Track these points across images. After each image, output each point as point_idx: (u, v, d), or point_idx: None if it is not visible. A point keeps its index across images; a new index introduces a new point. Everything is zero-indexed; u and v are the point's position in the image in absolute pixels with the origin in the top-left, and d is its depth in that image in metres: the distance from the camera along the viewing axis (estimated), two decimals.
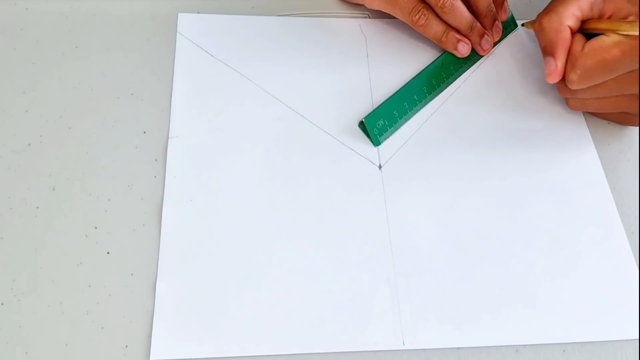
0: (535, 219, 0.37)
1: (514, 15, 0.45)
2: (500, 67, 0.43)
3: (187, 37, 0.42)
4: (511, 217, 0.36)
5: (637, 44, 0.33)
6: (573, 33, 0.36)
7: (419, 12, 0.40)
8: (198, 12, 0.43)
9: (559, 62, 0.36)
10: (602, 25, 0.35)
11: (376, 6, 0.42)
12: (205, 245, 0.34)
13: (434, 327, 0.32)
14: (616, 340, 0.33)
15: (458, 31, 0.41)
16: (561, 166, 0.39)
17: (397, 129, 0.39)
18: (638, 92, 0.36)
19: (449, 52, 0.42)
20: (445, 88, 0.42)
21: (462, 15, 0.40)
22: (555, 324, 0.33)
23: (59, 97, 0.38)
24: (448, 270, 0.34)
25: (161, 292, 0.32)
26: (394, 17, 0.42)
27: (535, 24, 0.38)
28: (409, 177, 0.37)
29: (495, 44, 0.43)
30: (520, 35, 0.45)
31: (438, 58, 0.42)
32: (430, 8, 0.40)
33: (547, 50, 0.37)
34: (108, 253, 0.33)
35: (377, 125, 0.38)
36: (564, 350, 0.33)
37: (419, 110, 0.41)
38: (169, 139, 0.37)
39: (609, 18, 0.36)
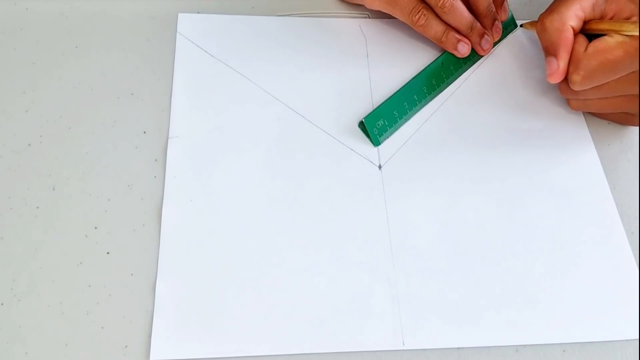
0: (535, 219, 0.37)
1: (514, 15, 0.45)
2: (500, 67, 0.43)
3: (187, 37, 0.42)
4: (511, 217, 0.36)
5: (639, 44, 0.33)
6: (575, 33, 0.36)
7: (419, 12, 0.40)
8: (198, 12, 0.43)
9: (561, 63, 0.36)
10: (604, 26, 0.35)
11: (376, 6, 0.42)
12: (205, 245, 0.34)
13: (434, 327, 0.32)
14: (616, 340, 0.33)
15: (458, 31, 0.41)
16: (561, 166, 0.39)
17: (397, 129, 0.39)
18: (638, 93, 0.36)
19: (449, 52, 0.42)
20: (445, 88, 0.42)
21: (462, 15, 0.40)
22: (555, 324, 0.33)
23: (59, 97, 0.38)
24: (448, 270, 0.34)
25: (161, 292, 0.32)
26: (394, 17, 0.42)
27: (538, 24, 0.38)
28: (409, 177, 0.37)
29: (495, 44, 0.43)
30: (520, 35, 0.45)
31: (438, 58, 0.42)
32: (430, 8, 0.40)
33: (549, 51, 0.37)
34: (108, 253, 0.33)
35: (377, 125, 0.38)
36: (564, 350, 0.33)
37: (419, 110, 0.41)
38: (169, 139, 0.37)
39: (610, 19, 0.36)
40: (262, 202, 0.35)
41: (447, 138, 0.39)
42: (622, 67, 0.34)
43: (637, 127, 0.41)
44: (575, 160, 0.39)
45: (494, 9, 0.42)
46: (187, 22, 0.42)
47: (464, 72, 0.43)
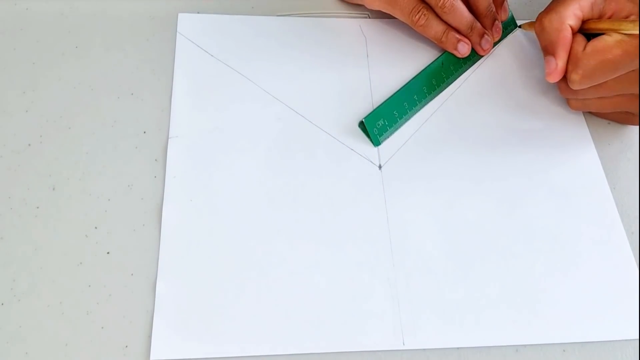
0: (535, 218, 0.37)
1: (514, 15, 0.45)
2: (501, 67, 0.43)
3: (187, 37, 0.42)
4: (511, 217, 0.36)
5: (638, 43, 0.33)
6: (574, 33, 0.36)
7: (419, 12, 0.40)
8: (198, 12, 0.43)
9: (560, 62, 0.36)
10: (603, 25, 0.35)
11: (376, 6, 0.42)
12: (205, 245, 0.34)
13: (434, 327, 0.32)
14: (616, 340, 0.33)
15: (458, 31, 0.41)
16: (561, 166, 0.39)
17: (397, 129, 0.39)
18: (638, 92, 0.36)
19: (449, 52, 0.42)
20: (445, 88, 0.42)
21: (462, 15, 0.40)
22: (555, 324, 0.33)
23: (59, 97, 0.38)
24: (448, 270, 0.34)
25: (161, 292, 0.32)
26: (394, 17, 0.42)
27: (536, 23, 0.38)
28: (409, 177, 0.37)
29: (495, 44, 0.43)
30: (520, 35, 0.45)
31: (438, 58, 0.42)
32: (430, 8, 0.40)
33: (548, 50, 0.37)
34: (108, 253, 0.33)
35: (377, 125, 0.38)
36: (564, 350, 0.33)
37: (419, 110, 0.41)
38: (169, 139, 0.37)
39: (609, 18, 0.36)
40: (262, 202, 0.35)
41: (447, 138, 0.39)
42: (621, 65, 0.34)
43: (637, 127, 0.41)
44: (575, 160, 0.39)
45: (494, 9, 0.42)
46: (187, 22, 0.42)
47: (464, 72, 0.43)
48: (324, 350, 0.31)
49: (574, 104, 0.40)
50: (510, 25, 0.45)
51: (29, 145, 0.36)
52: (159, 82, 0.40)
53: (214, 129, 0.38)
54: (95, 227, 0.34)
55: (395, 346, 0.32)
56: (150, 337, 0.31)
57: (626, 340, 0.33)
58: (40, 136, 0.37)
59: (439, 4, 0.39)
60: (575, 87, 0.36)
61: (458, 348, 0.32)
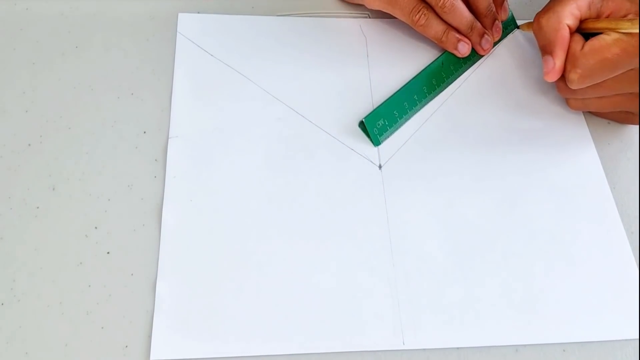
0: (535, 218, 0.37)
1: (514, 15, 0.45)
2: (501, 67, 0.43)
3: (187, 37, 0.42)
4: (511, 217, 0.36)
5: (637, 41, 0.33)
6: (572, 32, 0.36)
7: (419, 11, 0.40)
8: (198, 12, 0.43)
9: (558, 61, 0.36)
10: (601, 24, 0.35)
11: (376, 6, 0.41)
12: (205, 245, 0.34)
13: (434, 327, 0.32)
14: (616, 340, 0.33)
15: (458, 31, 0.41)
16: (561, 165, 0.39)
17: (397, 128, 0.39)
18: (638, 91, 0.36)
19: (449, 52, 0.42)
20: (445, 88, 0.42)
21: (463, 15, 0.40)
22: (555, 324, 0.33)
23: (59, 97, 0.38)
24: (448, 269, 0.34)
25: (161, 292, 0.32)
26: (394, 17, 0.42)
27: (534, 23, 0.38)
28: (409, 177, 0.37)
29: (495, 43, 0.43)
30: (520, 35, 0.45)
31: (438, 58, 0.42)
32: (430, 8, 0.40)
33: (546, 49, 0.37)
34: (108, 253, 0.33)
35: (377, 125, 0.38)
36: (564, 350, 0.33)
37: (419, 110, 0.41)
38: (169, 139, 0.37)
39: (607, 17, 0.36)
40: (262, 202, 0.35)
41: (447, 138, 0.39)
42: (619, 64, 0.34)
43: (637, 126, 0.41)
44: (575, 160, 0.39)
45: (494, 9, 0.42)
46: (187, 22, 0.42)
47: (464, 71, 0.43)
48: (324, 350, 0.31)
49: (573, 103, 0.40)
50: (510, 25, 0.45)
51: (29, 145, 0.36)
52: (159, 82, 0.40)
53: (214, 129, 0.38)
54: (95, 227, 0.34)
55: (395, 346, 0.32)
56: (150, 337, 0.31)
57: (626, 340, 0.33)
58: (40, 136, 0.37)
59: (439, 4, 0.39)
60: (574, 86, 0.36)
61: (458, 348, 0.32)
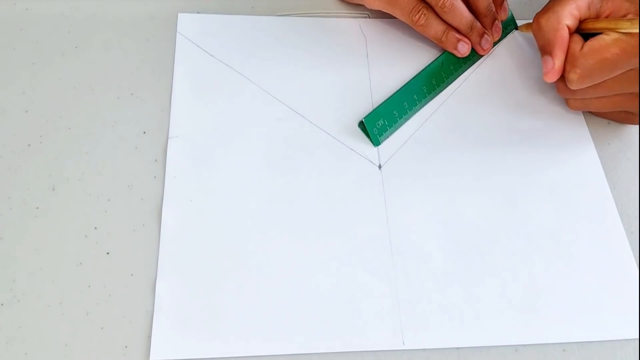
0: (535, 218, 0.37)
1: (514, 15, 0.45)
2: (500, 67, 0.43)
3: (187, 37, 0.42)
4: (511, 217, 0.36)
5: (637, 41, 0.33)
6: (571, 32, 0.36)
7: (419, 11, 0.40)
8: (198, 12, 0.43)
9: (557, 61, 0.36)
10: (600, 25, 0.35)
11: (376, 6, 0.41)
12: (205, 245, 0.34)
13: (434, 327, 0.32)
14: (616, 340, 0.33)
15: (458, 31, 0.41)
16: (561, 165, 0.39)
17: (397, 128, 0.39)
18: (638, 91, 0.36)
19: (449, 52, 0.42)
20: (445, 88, 0.42)
21: (462, 14, 0.40)
22: (555, 324, 0.33)
23: (59, 97, 0.38)
24: (448, 269, 0.34)
25: (161, 292, 0.32)
26: (394, 17, 0.42)
27: (533, 23, 0.38)
28: (409, 177, 0.37)
29: (495, 43, 0.43)
30: (519, 35, 0.45)
31: (438, 58, 0.42)
32: (430, 8, 0.40)
33: (545, 50, 0.37)
34: (108, 253, 0.33)
35: (377, 125, 0.38)
36: (563, 350, 0.33)
37: (419, 110, 0.41)
38: (169, 139, 0.37)
39: (606, 17, 0.36)
40: (262, 202, 0.35)
41: (447, 138, 0.39)
42: (619, 64, 0.34)
43: (637, 126, 0.41)
44: (575, 160, 0.39)
45: (494, 9, 0.42)
46: (187, 22, 0.42)
47: (464, 71, 0.43)
48: (324, 350, 0.31)
49: (572, 103, 0.40)
50: (510, 25, 0.45)
51: (29, 145, 0.36)
52: (159, 82, 0.40)
53: (214, 129, 0.38)
54: (95, 228, 0.34)
55: (395, 346, 0.32)
56: (150, 337, 0.31)
57: (626, 340, 0.33)
58: (40, 136, 0.37)
59: (439, 4, 0.39)
60: (573, 86, 0.36)
61: (458, 348, 0.32)
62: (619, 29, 0.34)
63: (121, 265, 0.33)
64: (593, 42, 0.35)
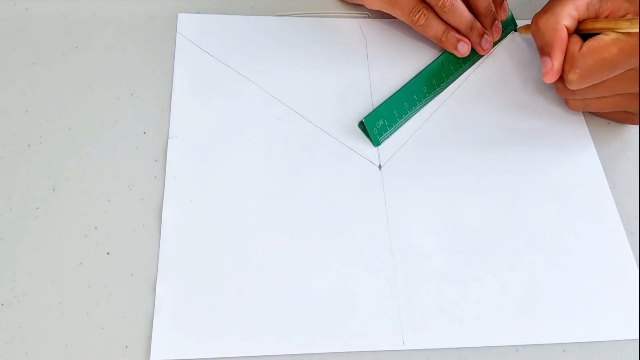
0: (535, 218, 0.37)
1: (514, 15, 0.45)
2: (500, 67, 0.43)
3: (187, 37, 0.42)
4: (511, 217, 0.36)
5: (636, 41, 0.33)
6: (570, 33, 0.36)
7: (419, 11, 0.40)
8: (198, 12, 0.43)
9: (556, 62, 0.36)
10: (599, 25, 0.35)
11: (376, 6, 0.41)
12: (205, 245, 0.34)
13: (434, 327, 0.32)
14: (616, 340, 0.33)
15: (458, 31, 0.41)
16: (561, 165, 0.39)
17: (397, 129, 0.39)
18: (637, 91, 0.36)
19: (449, 52, 0.42)
20: (445, 88, 0.42)
21: (462, 14, 0.40)
22: (555, 324, 0.33)
23: (59, 97, 0.38)
24: (448, 269, 0.34)
25: (161, 292, 0.32)
26: (394, 17, 0.42)
27: (532, 24, 0.38)
28: (409, 177, 0.37)
29: (495, 43, 0.43)
30: (519, 35, 0.45)
31: (438, 58, 0.42)
32: (430, 8, 0.40)
33: (544, 50, 0.37)
34: (108, 253, 0.33)
35: (377, 125, 0.38)
36: (564, 350, 0.33)
37: (419, 110, 0.41)
38: (169, 139, 0.37)
39: (606, 18, 0.36)
40: (262, 202, 0.35)
41: (447, 138, 0.39)
42: (618, 64, 0.34)
43: (637, 126, 0.41)
44: (575, 160, 0.39)
45: (494, 9, 0.42)
46: (187, 22, 0.42)
47: (464, 72, 0.43)
48: (324, 350, 0.31)
49: (572, 104, 0.40)
50: (509, 25, 0.45)
51: (29, 145, 0.36)
52: (159, 82, 0.40)
53: (214, 129, 0.38)
54: (95, 228, 0.34)
55: (395, 346, 0.32)
56: (150, 337, 0.31)
57: (626, 340, 0.33)
58: (40, 136, 0.37)
59: (439, 4, 0.39)
60: (573, 87, 0.36)
61: (458, 348, 0.32)
62: (618, 29, 0.34)
63: (121, 265, 0.33)
64: (592, 42, 0.35)
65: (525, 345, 0.32)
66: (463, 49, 0.41)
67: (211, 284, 0.32)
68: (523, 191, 0.38)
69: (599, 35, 0.35)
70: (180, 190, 0.35)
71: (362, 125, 0.38)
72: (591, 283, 0.34)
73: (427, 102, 0.41)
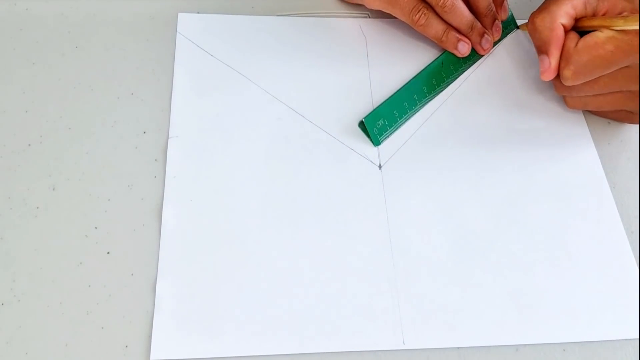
0: (535, 218, 0.37)
1: (514, 15, 0.45)
2: (501, 67, 0.43)
3: (187, 37, 0.42)
4: (511, 216, 0.36)
5: (631, 39, 0.33)
6: (567, 31, 0.36)
7: (419, 11, 0.40)
8: (198, 12, 0.43)
9: (553, 60, 0.36)
10: (595, 22, 0.36)
11: (376, 6, 0.41)
12: (205, 245, 0.34)
13: (434, 327, 0.32)
14: (616, 340, 0.33)
15: (458, 31, 0.41)
16: (561, 165, 0.39)
17: (397, 128, 0.39)
18: (636, 90, 0.36)
19: (449, 52, 0.42)
20: (445, 88, 0.42)
21: (463, 14, 0.40)
22: (555, 324, 0.33)
23: (59, 97, 0.38)
24: (448, 269, 0.34)
25: (161, 292, 0.32)
26: (394, 17, 0.42)
27: (529, 23, 0.38)
28: (409, 177, 0.37)
29: (495, 43, 0.43)
30: (520, 34, 0.45)
31: (438, 58, 0.42)
32: (430, 7, 0.40)
33: (541, 49, 0.37)
34: (108, 253, 0.33)
35: (377, 125, 0.38)
36: (564, 350, 0.33)
37: (419, 109, 0.41)
38: (169, 139, 0.37)
39: (603, 15, 0.36)
40: (262, 202, 0.35)
41: (447, 137, 0.39)
42: (613, 61, 0.34)
43: (637, 126, 0.41)
44: (575, 159, 0.39)
45: (494, 9, 0.42)
46: (187, 22, 0.42)
47: (464, 71, 0.43)
48: (324, 350, 0.31)
49: (570, 101, 0.40)
50: (510, 25, 0.45)
51: (29, 145, 0.36)
52: (159, 82, 0.40)
53: (214, 128, 0.38)
54: (95, 227, 0.34)
55: (395, 346, 0.32)
56: (150, 337, 0.31)
57: (626, 340, 0.33)
58: (40, 136, 0.37)
59: (440, 3, 0.39)
60: (568, 83, 0.36)
61: (458, 348, 0.32)
62: (612, 26, 0.34)
63: (121, 265, 0.33)
64: (587, 39, 0.35)
65: (525, 345, 0.32)
66: (463, 49, 0.41)
67: (211, 283, 0.32)
68: (523, 191, 0.38)
69: (595, 32, 0.35)
70: (180, 190, 0.35)
71: (362, 125, 0.38)
72: (591, 283, 0.34)
73: (427, 102, 0.41)
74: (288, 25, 0.44)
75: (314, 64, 0.42)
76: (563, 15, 0.36)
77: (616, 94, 0.37)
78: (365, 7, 0.43)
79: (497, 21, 0.43)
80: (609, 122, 0.42)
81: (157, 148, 0.37)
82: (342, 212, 0.35)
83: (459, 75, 0.43)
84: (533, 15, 0.37)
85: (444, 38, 0.41)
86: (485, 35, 0.42)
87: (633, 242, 0.36)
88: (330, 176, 0.37)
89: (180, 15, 0.43)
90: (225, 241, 0.34)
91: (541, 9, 0.37)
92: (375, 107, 0.39)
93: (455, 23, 0.41)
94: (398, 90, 0.40)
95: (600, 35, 0.34)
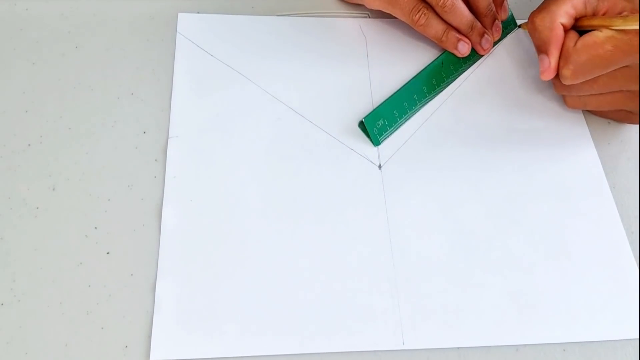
0: (534, 218, 0.37)
1: (514, 15, 0.45)
2: (500, 67, 0.43)
3: (187, 37, 0.42)
4: (511, 217, 0.36)
5: (630, 38, 0.33)
6: (566, 31, 0.36)
7: (419, 11, 0.40)
8: (198, 12, 0.43)
9: (552, 60, 0.36)
10: (595, 22, 0.35)
11: (376, 6, 0.41)
12: (205, 245, 0.34)
13: (434, 327, 0.32)
14: (616, 340, 0.33)
15: (458, 30, 0.41)
16: (561, 165, 0.39)
17: (397, 128, 0.39)
18: (636, 89, 0.36)
19: (449, 52, 0.42)
20: (445, 87, 0.42)
21: (463, 14, 0.40)
22: (555, 324, 0.33)
23: (59, 97, 0.38)
24: (448, 269, 0.34)
25: (161, 292, 0.32)
26: (394, 17, 0.42)
27: (528, 22, 0.38)
28: (409, 177, 0.37)
29: (495, 43, 0.43)
30: (520, 34, 0.45)
31: (438, 58, 0.42)
32: (430, 7, 0.40)
33: (541, 49, 0.37)
34: (108, 253, 0.33)
35: (377, 125, 0.38)
36: (564, 350, 0.33)
37: (419, 109, 0.41)
38: (169, 139, 0.37)
39: (603, 15, 0.36)
40: (262, 202, 0.35)
41: (447, 137, 0.39)
42: (611, 61, 0.34)
43: (637, 126, 0.41)
44: (575, 159, 0.39)
45: (494, 9, 0.42)
46: (187, 22, 0.42)
47: (464, 71, 0.43)
48: (324, 350, 0.31)
49: (569, 101, 0.40)
50: (510, 25, 0.45)
51: (29, 145, 0.36)
52: (159, 82, 0.40)
53: (214, 129, 0.38)
54: (95, 227, 0.34)
55: (395, 346, 0.32)
56: (150, 337, 0.31)
57: (626, 340, 0.33)
58: (40, 136, 0.37)
59: (440, 3, 0.39)
60: (566, 82, 0.36)
61: (458, 348, 0.32)
62: (612, 26, 0.34)
63: (121, 265, 0.33)
64: (586, 39, 0.35)
65: (525, 345, 0.32)
66: (463, 49, 0.41)
67: (211, 283, 0.32)
68: (523, 191, 0.38)
69: (594, 32, 0.35)
70: (180, 190, 0.35)
71: (362, 125, 0.38)
72: (591, 283, 0.34)
73: (427, 102, 0.41)
74: (288, 25, 0.44)
75: (314, 64, 0.42)
76: (563, 15, 0.36)
77: (616, 94, 0.37)
78: (365, 7, 0.43)
79: (497, 21, 0.43)
80: (609, 122, 0.42)
81: (157, 148, 0.37)
82: (342, 212, 0.35)
83: (459, 75, 0.43)
84: (533, 15, 0.37)
85: (444, 38, 0.41)
86: (485, 35, 0.42)
87: (633, 242, 0.36)
88: (330, 176, 0.37)
89: (180, 15, 0.43)
90: (225, 241, 0.34)
91: (541, 8, 0.37)
92: (375, 107, 0.39)
93: (455, 23, 0.41)
94: (398, 90, 0.40)
95: (599, 35, 0.34)
